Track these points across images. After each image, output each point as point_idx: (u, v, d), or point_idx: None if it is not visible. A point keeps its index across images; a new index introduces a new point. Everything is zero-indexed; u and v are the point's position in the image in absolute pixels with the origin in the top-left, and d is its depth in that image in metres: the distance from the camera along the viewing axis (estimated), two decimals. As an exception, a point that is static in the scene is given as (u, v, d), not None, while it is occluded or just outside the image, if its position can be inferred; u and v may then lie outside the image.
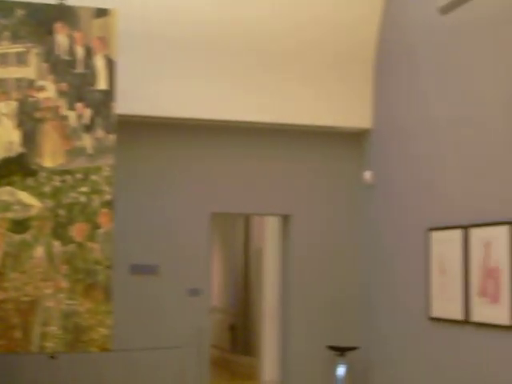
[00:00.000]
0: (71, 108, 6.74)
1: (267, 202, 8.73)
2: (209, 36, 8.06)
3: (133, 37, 7.55)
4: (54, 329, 6.48)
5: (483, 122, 6.42)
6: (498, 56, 6.25)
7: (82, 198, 6.67)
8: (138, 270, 8.21)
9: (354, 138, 8.82)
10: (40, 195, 6.58)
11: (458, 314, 6.61)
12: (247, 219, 13.74)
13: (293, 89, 8.34)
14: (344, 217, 8.82)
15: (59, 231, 6.59)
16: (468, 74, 6.69)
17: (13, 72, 6.65)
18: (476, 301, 6.36)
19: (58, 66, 6.73)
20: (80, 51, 6.79)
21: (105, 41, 6.83)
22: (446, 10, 6.33)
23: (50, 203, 6.58)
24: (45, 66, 6.70)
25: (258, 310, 11.84)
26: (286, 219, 8.93)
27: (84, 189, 6.68)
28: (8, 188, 6.53)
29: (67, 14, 6.76)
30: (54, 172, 6.63)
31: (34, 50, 6.69)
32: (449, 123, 6.97)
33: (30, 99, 6.66)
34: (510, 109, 6.07)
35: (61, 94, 6.71)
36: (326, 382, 8.41)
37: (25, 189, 6.56)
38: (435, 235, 7.05)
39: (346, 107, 8.53)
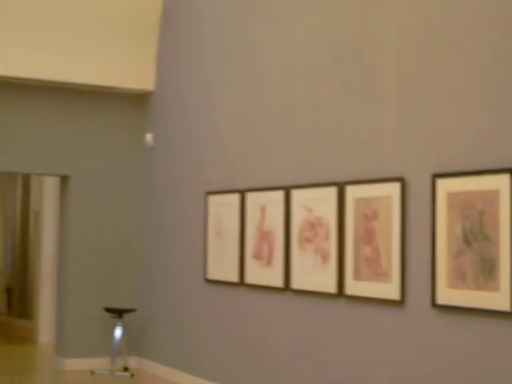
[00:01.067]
0: None
1: (45, 162, 8.37)
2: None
3: None
4: None
5: (263, 87, 6.47)
6: (278, 22, 6.31)
7: None
8: None
9: (136, 100, 8.63)
10: None
11: (233, 276, 6.68)
12: (26, 179, 13.19)
13: (73, 47, 7.98)
14: (125, 179, 8.63)
15: None
16: (249, 41, 6.71)
17: None
18: (251, 263, 6.45)
19: None
20: None
21: None
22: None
23: None
24: None
25: (36, 272, 11.43)
26: (64, 180, 8.61)
27: None
28: None
29: None
30: None
31: None
32: (227, 88, 6.98)
33: None
34: (287, 73, 6.16)
35: None
36: (103, 343, 8.25)
37: None
38: (213, 199, 7.07)
39: (129, 68, 8.30)
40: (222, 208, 6.92)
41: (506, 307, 4.24)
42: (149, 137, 8.35)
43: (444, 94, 4.75)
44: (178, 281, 7.71)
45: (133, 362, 8.37)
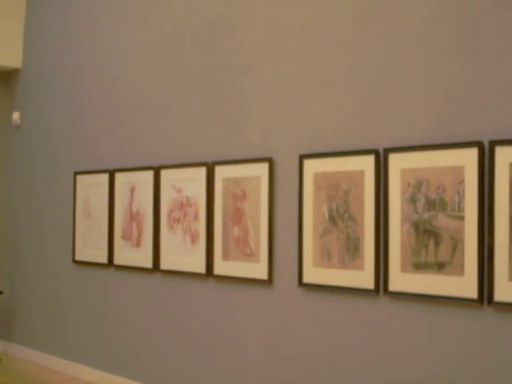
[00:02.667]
0: None
1: None
2: None
3: None
4: None
5: (129, 65, 6.26)
6: (145, 3, 6.12)
7: None
8: None
9: (3, 77, 8.20)
10: None
11: (102, 258, 6.47)
12: None
13: None
14: (-9, 158, 8.22)
15: None
16: (114, 19, 6.47)
17: None
18: (120, 244, 6.25)
19: None
20: None
21: None
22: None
23: None
24: None
25: None
26: None
27: None
28: None
29: None
30: None
31: None
32: (93, 67, 6.72)
33: None
34: (155, 51, 5.97)
35: None
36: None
37: None
38: (81, 179, 6.80)
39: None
40: (91, 188, 6.67)
41: (370, 285, 4.25)
42: (16, 115, 7.95)
43: (310, 76, 4.70)
44: (46, 262, 7.41)
45: (0, 346, 8.01)
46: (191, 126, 5.64)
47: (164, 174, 5.82)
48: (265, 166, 4.97)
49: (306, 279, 4.65)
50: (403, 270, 4.10)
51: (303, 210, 4.67)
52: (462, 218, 3.83)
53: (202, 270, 5.46)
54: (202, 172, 5.48)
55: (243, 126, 5.19)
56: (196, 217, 5.54)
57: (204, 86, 5.54)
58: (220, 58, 5.40)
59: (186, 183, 5.62)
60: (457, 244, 3.85)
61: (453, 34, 3.94)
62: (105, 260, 6.45)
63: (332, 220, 4.48)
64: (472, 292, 3.79)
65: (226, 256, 5.26)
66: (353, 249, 4.35)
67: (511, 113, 3.69)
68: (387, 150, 4.18)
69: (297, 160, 4.76)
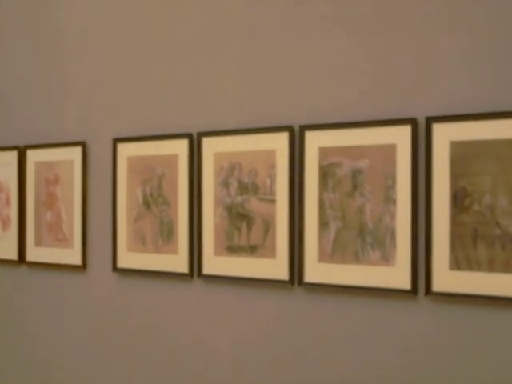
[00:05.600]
0: None
1: None
2: None
3: None
4: None
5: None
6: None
7: None
8: None
9: None
10: None
11: None
12: None
13: None
14: None
15: None
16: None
17: None
18: None
19: None
20: None
21: None
22: None
23: None
24: None
25: None
26: None
27: None
28: None
29: None
30: None
31: None
32: None
33: None
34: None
35: None
36: None
37: None
38: None
39: None
40: None
41: (184, 269, 4.10)
42: None
43: (125, 59, 4.45)
44: None
45: None
46: (0, 108, 5.23)
47: (-28, 157, 5.37)
48: (78, 150, 4.67)
49: (120, 264, 4.42)
50: (217, 253, 3.97)
51: (117, 195, 4.43)
52: (274, 201, 3.74)
53: (15, 256, 5.08)
54: (13, 156, 5.09)
55: (57, 109, 4.85)
56: (7, 202, 5.15)
57: (18, 68, 5.13)
58: (37, 37, 5.02)
59: (-4, 167, 5.21)
60: (269, 227, 3.76)
61: (264, 20, 3.83)
62: None
63: (146, 204, 4.27)
64: (283, 274, 3.72)
65: (38, 242, 4.91)
66: (167, 233, 4.17)
67: (320, 99, 3.63)
68: (201, 134, 4.02)
69: (111, 144, 4.50)
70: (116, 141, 4.43)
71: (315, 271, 3.62)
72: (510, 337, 3.11)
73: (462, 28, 3.23)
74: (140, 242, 4.31)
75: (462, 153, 3.18)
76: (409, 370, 3.39)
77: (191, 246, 4.09)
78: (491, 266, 3.11)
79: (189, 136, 4.08)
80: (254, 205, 3.83)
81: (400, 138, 3.35)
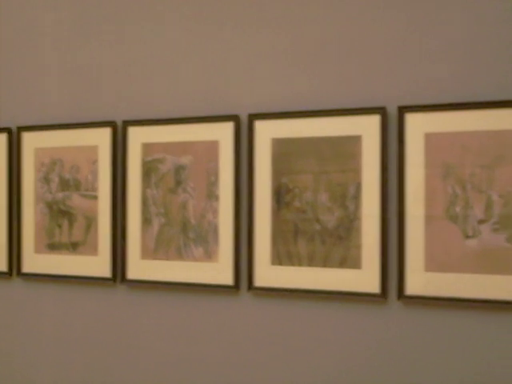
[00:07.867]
0: None
1: None
2: None
3: None
4: None
5: None
6: None
7: None
8: None
9: None
10: None
11: None
12: None
13: None
14: None
15: None
16: None
17: None
18: None
19: None
20: None
21: None
22: None
23: None
24: None
25: None
26: None
27: None
28: None
29: None
30: None
31: None
32: None
33: None
34: None
35: None
36: None
37: None
38: None
39: None
40: None
41: (3, 268, 3.82)
42: None
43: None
44: None
45: None
46: None
47: None
48: None
49: None
50: (37, 250, 3.73)
51: None
52: (96, 197, 3.56)
53: None
54: None
55: None
56: None
57: None
58: None
59: None
60: (90, 224, 3.57)
61: None
62: None
63: None
64: (106, 271, 3.55)
65: None
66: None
67: (142, 92, 3.49)
68: (20, 129, 3.75)
69: None
70: None
71: (138, 268, 3.47)
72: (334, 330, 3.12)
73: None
74: None
75: (283, 150, 3.15)
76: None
77: (10, 244, 3.82)
78: (311, 261, 3.10)
79: (8, 130, 3.80)
80: (76, 201, 3.62)
81: (223, 134, 3.27)
